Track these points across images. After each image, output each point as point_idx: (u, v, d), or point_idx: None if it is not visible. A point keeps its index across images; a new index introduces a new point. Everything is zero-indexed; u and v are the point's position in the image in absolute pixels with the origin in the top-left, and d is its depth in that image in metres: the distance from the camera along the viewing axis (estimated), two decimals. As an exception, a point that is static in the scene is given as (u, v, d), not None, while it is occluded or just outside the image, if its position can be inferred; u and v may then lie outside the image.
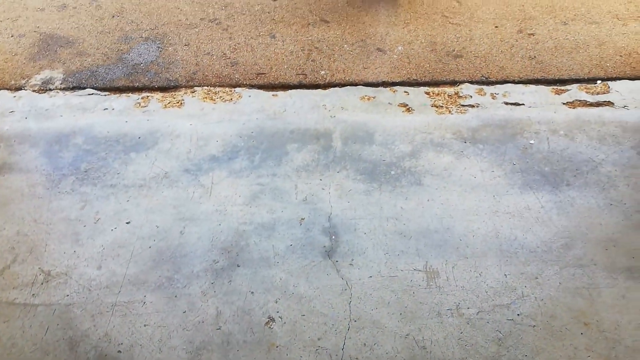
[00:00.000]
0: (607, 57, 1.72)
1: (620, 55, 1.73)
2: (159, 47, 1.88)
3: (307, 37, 1.88)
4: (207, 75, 1.75)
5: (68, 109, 1.65)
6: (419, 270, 1.21)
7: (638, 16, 1.88)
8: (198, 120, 1.59)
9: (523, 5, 1.98)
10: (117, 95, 1.70)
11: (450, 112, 1.57)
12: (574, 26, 1.86)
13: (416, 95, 1.63)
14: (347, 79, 1.71)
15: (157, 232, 1.31)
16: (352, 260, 1.24)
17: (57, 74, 1.79)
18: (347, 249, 1.26)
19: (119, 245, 1.29)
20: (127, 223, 1.34)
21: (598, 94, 1.60)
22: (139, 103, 1.66)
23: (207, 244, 1.28)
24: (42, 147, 1.54)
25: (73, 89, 1.73)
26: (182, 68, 1.78)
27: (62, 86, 1.74)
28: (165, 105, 1.65)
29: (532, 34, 1.84)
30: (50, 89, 1.73)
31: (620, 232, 1.25)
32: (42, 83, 1.76)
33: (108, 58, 1.84)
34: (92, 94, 1.71)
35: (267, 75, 1.74)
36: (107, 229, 1.32)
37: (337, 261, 1.24)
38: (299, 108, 1.61)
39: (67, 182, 1.44)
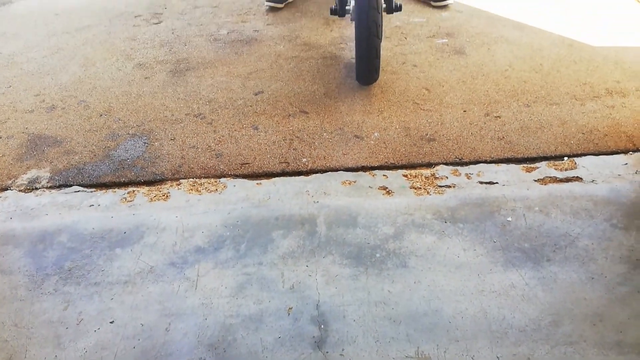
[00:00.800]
0: (571, 135, 1.83)
1: (583, 133, 1.84)
2: (145, 143, 1.94)
3: (288, 128, 1.97)
4: (192, 168, 1.80)
5: (54, 207, 1.67)
6: (411, 357, 1.19)
7: (594, 96, 2.04)
8: (184, 212, 1.61)
9: (487, 91, 2.12)
10: (104, 191, 1.73)
11: (428, 193, 1.63)
12: (537, 108, 2.00)
13: (395, 178, 1.69)
14: (328, 165, 1.77)
15: (141, 330, 1.28)
16: (343, 350, 1.22)
17: (44, 173, 1.83)
18: (337, 338, 1.24)
19: (102, 347, 1.25)
20: (110, 322, 1.31)
21: (566, 170, 1.69)
22: (125, 198, 1.69)
23: (194, 341, 1.26)
24: (26, 247, 1.53)
25: (59, 187, 1.76)
26: (168, 162, 1.83)
27: (49, 185, 1.77)
28: (151, 198, 1.68)
29: (498, 116, 1.96)
30: (36, 188, 1.76)
31: (604, 306, 1.26)
32: (29, 182, 1.79)
33: (95, 155, 1.90)
34: (79, 190, 1.74)
35: (251, 164, 1.80)
36: (90, 330, 1.29)
37: (327, 352, 1.22)
38: (282, 195, 1.66)
39: (50, 282, 1.42)
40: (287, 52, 2.53)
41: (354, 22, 2.09)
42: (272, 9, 2.99)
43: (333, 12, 2.16)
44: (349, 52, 2.48)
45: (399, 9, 2.10)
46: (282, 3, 2.98)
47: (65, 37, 2.86)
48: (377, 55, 1.99)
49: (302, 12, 2.96)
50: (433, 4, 2.85)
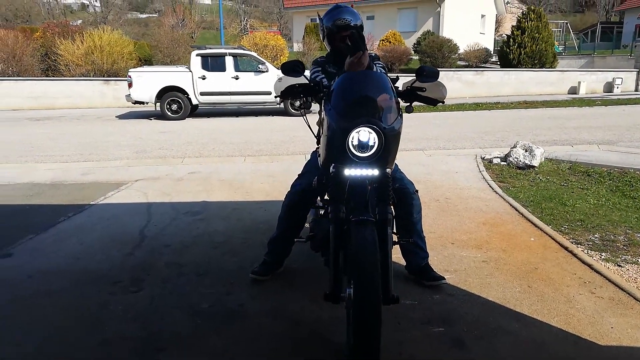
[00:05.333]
0: None
1: None
2: None
3: None
4: None
5: None
6: None
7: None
8: None
9: None
10: None
11: None
12: None
13: None
14: None
15: None
16: None
17: None
18: None
19: None
20: None
21: None
22: None
23: None
24: None
25: None
26: None
27: None
28: None
29: None
30: None
31: None
32: None
33: None
34: None
35: None
36: None
37: None
38: None
39: None
40: (276, 332, 2.32)
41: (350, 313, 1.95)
42: (257, 280, 2.90)
43: (327, 297, 2.04)
44: (339, 335, 2.27)
45: (396, 300, 1.97)
46: (267, 275, 2.92)
47: (29, 305, 2.66)
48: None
49: (289, 284, 2.87)
50: (426, 283, 2.80)
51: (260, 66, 11.68)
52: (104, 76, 15.53)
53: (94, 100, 14.63)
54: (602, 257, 3.35)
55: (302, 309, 2.56)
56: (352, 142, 2.02)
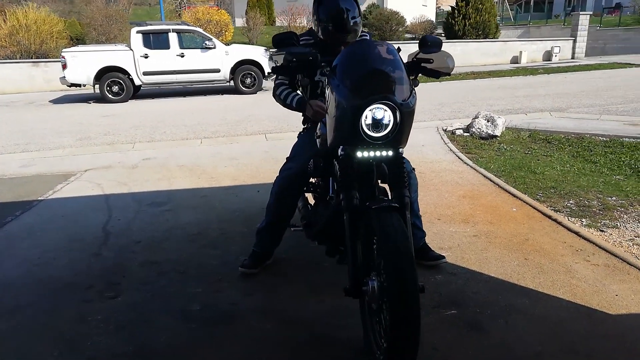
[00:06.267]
0: None
1: None
2: None
3: None
4: None
5: None
6: None
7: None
8: None
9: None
10: None
11: None
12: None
13: None
14: None
15: None
16: None
17: None
18: None
19: None
20: None
21: None
22: None
23: None
24: None
25: None
26: None
27: None
28: None
29: None
30: None
31: None
32: None
33: None
34: None
35: None
36: None
37: None
38: None
39: None
40: (276, 336, 2.12)
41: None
42: (247, 275, 2.68)
43: (348, 292, 1.86)
44: (356, 331, 2.10)
45: (422, 290, 1.80)
46: (257, 267, 2.70)
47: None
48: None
49: (283, 277, 2.67)
50: (425, 263, 2.68)
51: (206, 42, 11.08)
52: (32, 57, 14.22)
53: (22, 84, 13.38)
54: (584, 223, 3.39)
55: (300, 304, 2.37)
56: (365, 121, 1.82)
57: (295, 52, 2.05)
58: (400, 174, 1.96)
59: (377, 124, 1.83)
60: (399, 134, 1.87)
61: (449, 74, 2.19)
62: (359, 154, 1.89)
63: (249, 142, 6.56)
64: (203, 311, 2.32)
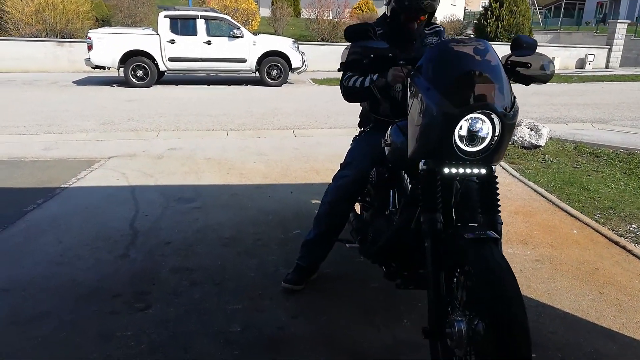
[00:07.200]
0: None
1: None
2: None
3: None
4: None
5: None
6: None
7: None
8: None
9: None
10: None
11: None
12: None
13: None
14: None
15: None
16: None
17: None
18: None
19: None
20: None
21: None
22: None
23: None
24: None
25: None
26: None
27: None
28: None
29: None
30: None
31: None
32: None
33: None
34: None
35: None
36: None
37: None
38: None
39: None
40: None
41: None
42: (290, 291, 2.41)
43: (428, 334, 1.58)
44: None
45: None
46: (302, 284, 2.43)
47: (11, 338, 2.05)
48: None
49: (330, 297, 2.39)
50: None
51: (234, 31, 10.80)
52: (57, 37, 14.08)
53: (46, 63, 13.26)
54: (654, 252, 3.06)
55: (354, 333, 2.09)
56: (459, 132, 1.53)
57: (374, 47, 1.77)
58: (493, 196, 1.67)
59: (472, 137, 1.55)
60: (497, 149, 1.58)
61: (545, 82, 1.88)
62: (446, 170, 1.60)
63: (277, 137, 6.30)
64: (245, 334, 2.05)
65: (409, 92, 1.72)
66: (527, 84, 1.90)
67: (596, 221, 3.55)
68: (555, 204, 3.84)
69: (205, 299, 2.31)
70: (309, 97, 9.91)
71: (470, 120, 1.52)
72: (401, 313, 2.24)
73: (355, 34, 1.88)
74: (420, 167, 1.66)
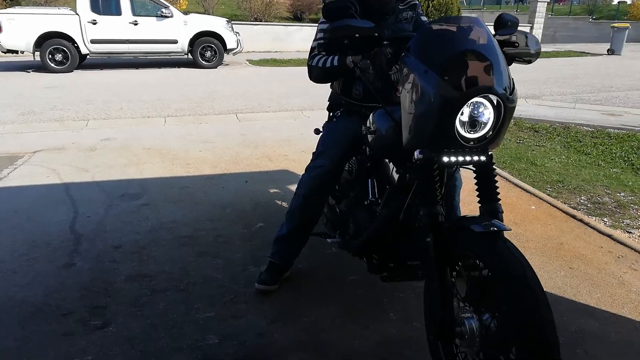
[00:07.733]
0: None
1: None
2: None
3: None
4: None
5: None
6: None
7: None
8: None
9: None
10: None
11: None
12: None
13: None
14: None
15: None
16: None
17: None
18: None
19: None
20: None
21: None
22: None
23: None
24: None
25: None
26: None
27: None
28: None
29: None
30: None
31: None
32: None
33: None
34: None
35: None
36: None
37: None
38: None
39: None
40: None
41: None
42: (265, 292, 2.23)
43: (439, 335, 1.47)
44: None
45: None
46: (277, 283, 2.26)
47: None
48: None
49: (308, 295, 2.24)
50: None
51: (163, 10, 10.11)
52: (-45, 18, 12.52)
53: (-55, 47, 11.78)
54: (607, 223, 3.19)
55: (343, 334, 1.95)
56: (460, 118, 1.41)
57: (357, 27, 1.60)
58: (492, 184, 1.58)
59: (473, 123, 1.44)
60: (497, 134, 1.49)
61: (530, 61, 1.80)
62: (445, 158, 1.49)
63: (219, 122, 5.98)
64: (223, 346, 1.85)
65: (399, 76, 1.57)
66: (509, 64, 1.82)
67: (549, 195, 3.65)
68: (509, 181, 3.91)
69: (172, 309, 2.07)
70: (247, 79, 9.55)
71: (472, 105, 1.41)
72: (385, 307, 2.14)
73: (335, 11, 1.70)
74: (415, 157, 1.53)
